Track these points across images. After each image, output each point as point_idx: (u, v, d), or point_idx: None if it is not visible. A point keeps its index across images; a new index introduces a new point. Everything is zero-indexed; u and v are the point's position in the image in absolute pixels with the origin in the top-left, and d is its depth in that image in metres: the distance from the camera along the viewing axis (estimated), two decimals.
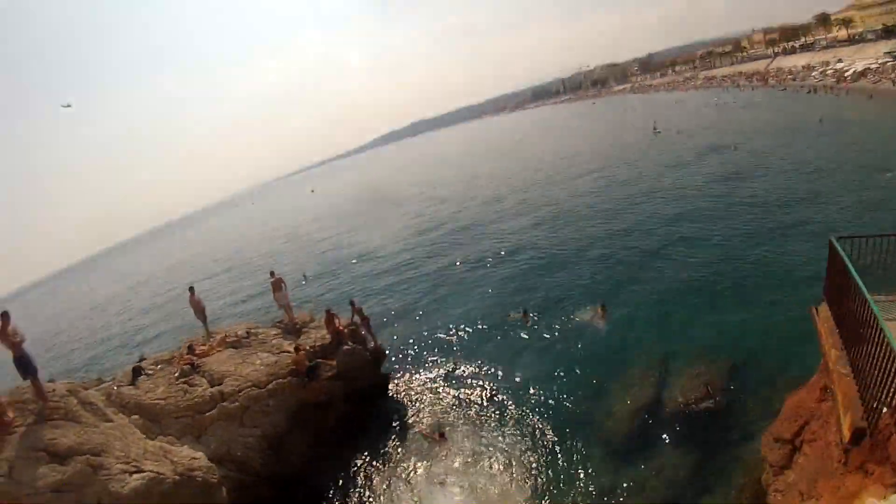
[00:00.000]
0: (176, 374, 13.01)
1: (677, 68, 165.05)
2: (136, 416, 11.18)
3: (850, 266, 5.78)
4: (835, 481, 6.18)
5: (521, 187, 46.32)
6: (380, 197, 70.23)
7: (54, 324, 57.66)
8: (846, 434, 5.85)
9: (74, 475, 8.35)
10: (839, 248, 6.21)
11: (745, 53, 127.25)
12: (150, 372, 13.13)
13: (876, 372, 5.14)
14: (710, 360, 12.85)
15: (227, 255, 62.12)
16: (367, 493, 11.91)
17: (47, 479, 7.96)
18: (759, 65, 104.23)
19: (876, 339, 5.11)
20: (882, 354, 4.95)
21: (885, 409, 5.13)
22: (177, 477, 9.89)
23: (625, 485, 10.19)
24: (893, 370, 4.74)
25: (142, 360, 14.42)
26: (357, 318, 16.65)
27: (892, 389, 4.87)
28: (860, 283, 5.66)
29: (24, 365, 9.05)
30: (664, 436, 11.08)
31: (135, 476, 9.19)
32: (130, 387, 12.28)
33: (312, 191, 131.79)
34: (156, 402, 11.88)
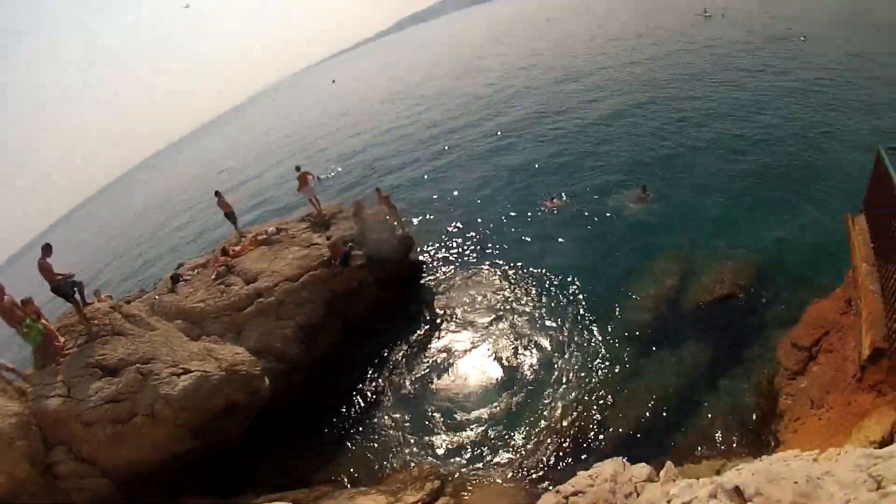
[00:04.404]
0: (212, 277, 13.77)
1: None
2: (179, 321, 12.15)
3: (895, 177, 4.89)
4: (846, 396, 6.08)
5: (554, 67, 42.00)
6: (400, 86, 65.84)
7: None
8: (865, 351, 5.65)
9: (127, 385, 9.41)
10: (886, 159, 5.32)
11: None
12: (187, 277, 13.98)
13: None
14: (740, 257, 12.42)
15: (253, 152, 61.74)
16: (391, 375, 12.87)
17: (102, 392, 9.04)
18: None
19: None
20: None
21: None
22: (222, 373, 10.89)
23: (642, 369, 10.50)
24: None
25: (179, 266, 15.29)
26: (384, 207, 16.54)
27: None
28: None
29: (63, 293, 9.73)
30: (684, 329, 11.09)
31: (183, 377, 10.22)
32: (171, 294, 13.18)
33: (333, 81, 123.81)
34: (196, 305, 12.80)
